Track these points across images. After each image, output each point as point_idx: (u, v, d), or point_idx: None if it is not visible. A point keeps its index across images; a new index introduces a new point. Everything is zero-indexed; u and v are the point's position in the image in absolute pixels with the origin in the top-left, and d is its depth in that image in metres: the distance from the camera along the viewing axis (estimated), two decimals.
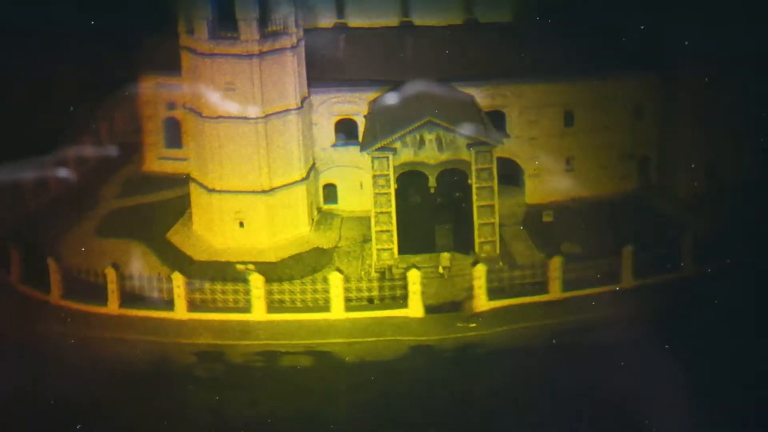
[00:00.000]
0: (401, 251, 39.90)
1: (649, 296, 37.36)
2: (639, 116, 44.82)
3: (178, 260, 40.72)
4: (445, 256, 39.63)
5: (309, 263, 40.85)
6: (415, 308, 36.82)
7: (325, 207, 44.51)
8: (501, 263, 39.33)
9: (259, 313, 37.06)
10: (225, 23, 40.26)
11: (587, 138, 44.07)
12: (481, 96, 42.90)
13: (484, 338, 35.69)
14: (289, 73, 40.96)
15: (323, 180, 44.28)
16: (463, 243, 40.17)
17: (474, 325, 35.96)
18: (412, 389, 32.64)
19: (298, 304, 37.36)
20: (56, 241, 42.07)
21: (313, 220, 43.48)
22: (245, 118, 40.35)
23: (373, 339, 35.88)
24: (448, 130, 39.09)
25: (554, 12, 43.34)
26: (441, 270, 39.61)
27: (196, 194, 42.82)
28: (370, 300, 37.48)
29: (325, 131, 43.56)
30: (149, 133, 49.06)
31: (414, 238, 40.06)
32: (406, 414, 31.26)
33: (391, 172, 39.27)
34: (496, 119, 43.36)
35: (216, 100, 40.36)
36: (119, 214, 45.42)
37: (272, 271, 39.85)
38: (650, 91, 44.28)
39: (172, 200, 46.02)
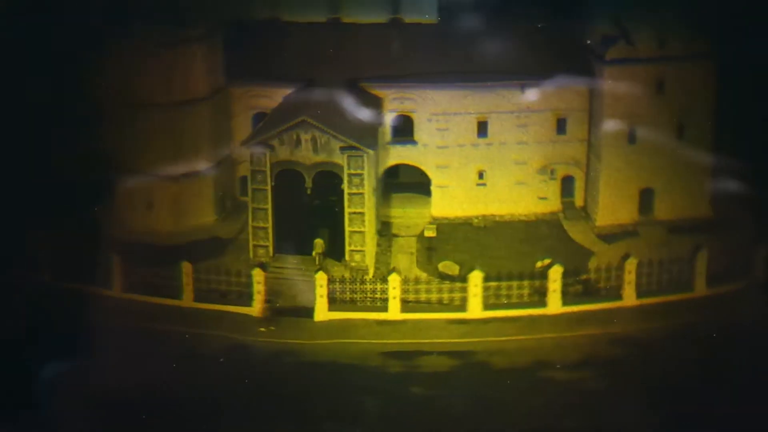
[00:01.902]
0: (277, 250, 39.40)
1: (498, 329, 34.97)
2: (562, 130, 40.94)
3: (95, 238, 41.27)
4: (319, 242, 38.69)
5: (202, 251, 40.51)
6: (257, 307, 36.18)
7: (241, 198, 43.77)
8: (371, 274, 37.71)
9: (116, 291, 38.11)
10: (142, 10, 40.28)
11: (502, 150, 40.79)
12: (391, 99, 40.86)
13: (304, 348, 34.22)
14: (199, 62, 40.93)
15: (240, 172, 43.91)
16: (337, 249, 38.98)
17: (272, 329, 35.01)
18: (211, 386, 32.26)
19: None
20: None
21: (223, 210, 43.53)
22: (153, 104, 40.69)
23: (207, 332, 35.21)
24: (321, 131, 38.03)
25: (481, 15, 40.42)
26: (314, 255, 38.67)
27: (119, 176, 42.40)
28: (223, 294, 37.56)
29: (242, 124, 43.07)
30: None
31: (290, 238, 39.22)
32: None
33: (267, 168, 38.80)
34: (406, 124, 41.29)
35: (130, 84, 40.50)
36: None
37: (164, 256, 40.11)
38: (577, 102, 40.30)
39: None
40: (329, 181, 38.82)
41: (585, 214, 41.66)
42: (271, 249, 39.48)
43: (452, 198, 41.62)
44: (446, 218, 41.43)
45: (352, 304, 36.12)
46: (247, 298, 37.00)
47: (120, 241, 40.93)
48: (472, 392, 30.58)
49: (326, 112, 38.62)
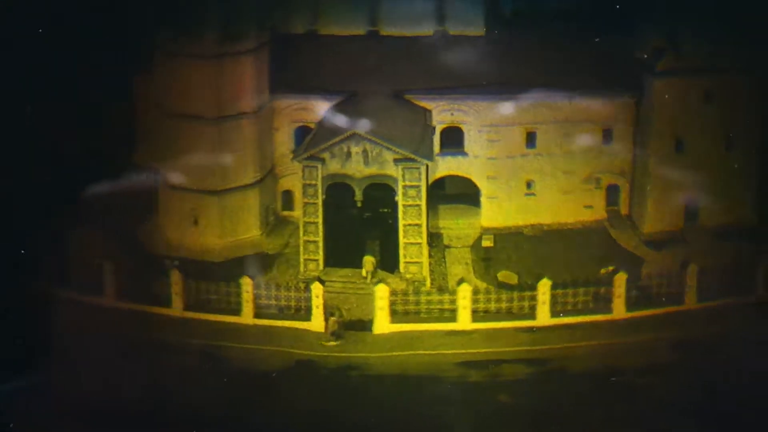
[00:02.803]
0: (327, 263, 39.23)
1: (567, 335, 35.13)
2: (608, 140, 41.23)
3: (135, 253, 41.26)
4: (369, 260, 38.60)
5: (251, 267, 40.47)
6: (317, 322, 36.07)
7: (283, 213, 44.00)
8: (428, 285, 37.77)
9: (176, 309, 37.34)
10: (188, 22, 40.65)
11: (550, 161, 41.17)
12: (438, 111, 41.05)
13: (368, 361, 34.39)
14: (247, 76, 40.82)
15: (282, 186, 43.96)
16: (389, 261, 38.87)
17: (335, 344, 34.79)
18: (275, 402, 31.78)
19: (215, 306, 37.46)
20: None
21: (267, 224, 43.30)
22: (201, 117, 40.62)
23: (268, 348, 35.27)
24: (374, 143, 38.07)
25: (528, 27, 41.25)
26: (364, 273, 38.58)
27: (162, 189, 43.03)
28: (281, 309, 37.31)
29: (285, 138, 43.13)
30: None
31: (341, 251, 39.21)
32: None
33: (319, 182, 38.68)
34: (455, 135, 41.47)
35: (176, 98, 40.82)
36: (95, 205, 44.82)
37: (213, 271, 40.05)
38: (623, 114, 40.65)
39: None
40: (378, 193, 38.68)
41: (630, 222, 41.96)
42: (321, 263, 39.37)
43: (502, 208, 41.79)
44: (496, 228, 41.56)
45: (413, 316, 35.91)
46: (304, 313, 36.79)
47: (170, 258, 41.87)
48: (552, 398, 30.79)
49: (376, 124, 38.55)
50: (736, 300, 36.08)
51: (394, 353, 34.53)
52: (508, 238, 40.92)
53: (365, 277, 38.55)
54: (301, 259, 39.64)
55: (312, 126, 43.11)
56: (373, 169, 38.41)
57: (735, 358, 32.50)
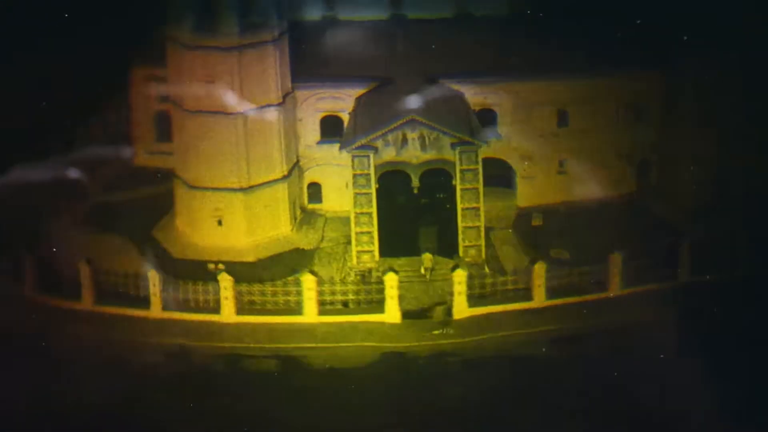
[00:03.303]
0: (383, 254, 38.41)
1: (639, 305, 35.39)
2: (638, 116, 42.55)
3: (158, 257, 39.45)
4: (428, 257, 38.01)
5: (288, 264, 39.39)
6: (391, 313, 35.27)
7: (309, 206, 42.81)
8: (486, 268, 37.78)
9: (228, 314, 35.70)
10: (207, 14, 38.66)
11: (582, 138, 41.97)
12: (471, 93, 41.01)
13: (461, 347, 33.94)
14: (270, 67, 39.42)
15: (308, 178, 42.69)
16: (447, 246, 38.55)
17: (451, 332, 34.27)
18: (380, 398, 30.87)
19: (269, 307, 35.90)
20: (34, 235, 40.58)
21: (295, 219, 41.82)
22: (224, 113, 38.92)
23: (345, 345, 34.33)
24: (431, 128, 37.59)
25: (551, 6, 41.57)
26: (423, 271, 38.02)
27: (179, 190, 41.42)
28: (345, 304, 36.00)
29: (309, 128, 41.96)
30: (139, 127, 47.33)
31: (396, 240, 38.58)
32: (371, 425, 29.85)
33: (371, 171, 37.86)
34: (487, 118, 41.48)
35: (196, 93, 39.03)
36: (106, 208, 43.92)
37: (249, 272, 38.53)
38: (651, 89, 41.95)
39: (161, 195, 43.74)
40: (436, 178, 38.08)
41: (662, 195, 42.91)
42: (376, 254, 38.50)
43: (536, 187, 42.29)
44: (532, 208, 41.85)
45: (489, 299, 35.42)
46: (374, 305, 35.35)
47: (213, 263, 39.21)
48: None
49: (426, 109, 37.91)
50: (661, 285, 36.53)
51: (485, 335, 33.82)
52: (548, 217, 41.41)
53: (424, 275, 37.77)
54: (354, 252, 38.57)
55: (339, 115, 42.21)
56: (430, 155, 37.86)
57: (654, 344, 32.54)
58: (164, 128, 45.99)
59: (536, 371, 32.49)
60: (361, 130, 38.34)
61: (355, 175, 37.91)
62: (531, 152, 41.90)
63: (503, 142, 41.59)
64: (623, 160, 42.47)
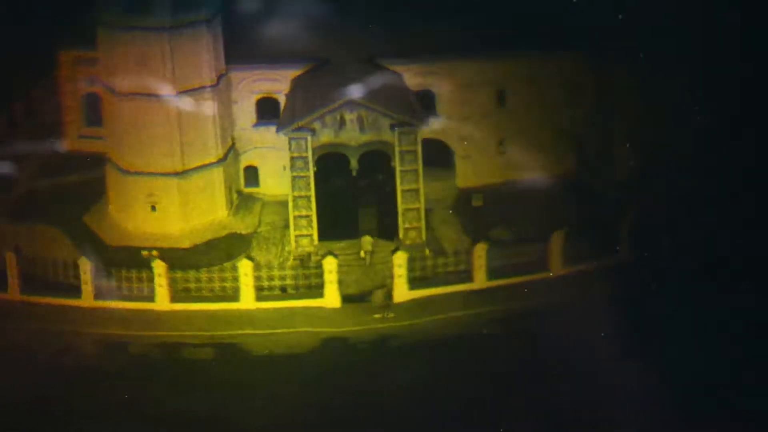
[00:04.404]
0: (322, 237, 37.64)
1: (581, 283, 35.31)
2: (575, 94, 42.15)
3: (91, 245, 38.18)
4: (367, 240, 37.58)
5: (224, 250, 38.52)
6: (331, 298, 34.83)
7: (246, 190, 41.90)
8: (427, 250, 37.27)
9: (162, 302, 34.81)
10: None
11: (521, 118, 41.68)
12: (410, 74, 40.32)
13: (403, 330, 33.46)
14: (203, 48, 38.34)
15: (244, 162, 41.73)
16: (387, 229, 38.08)
17: (392, 315, 33.83)
18: (321, 384, 30.35)
19: (206, 294, 35.17)
20: None
21: (231, 204, 40.93)
22: (156, 95, 37.80)
23: (284, 330, 33.62)
24: (369, 109, 36.96)
25: None
26: (363, 254, 37.59)
27: (111, 176, 40.15)
28: (283, 289, 35.35)
29: (245, 110, 40.97)
30: (68, 111, 45.48)
31: (336, 223, 37.92)
32: (311, 410, 29.04)
33: (309, 153, 37.05)
34: (426, 99, 40.93)
35: (127, 76, 37.80)
36: (34, 197, 42.60)
37: (184, 258, 37.63)
38: (586, 68, 41.45)
39: (91, 181, 42.39)
40: (375, 160, 37.51)
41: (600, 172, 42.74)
42: (315, 237, 37.69)
43: (475, 167, 41.90)
44: (472, 188, 41.54)
45: (430, 281, 35.19)
46: (313, 290, 34.82)
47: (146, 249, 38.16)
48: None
49: (365, 91, 37.11)
50: (599, 263, 36.66)
51: (426, 318, 33.58)
52: (488, 197, 41.05)
53: (363, 258, 37.33)
54: (292, 236, 37.74)
55: (275, 97, 41.28)
56: (369, 136, 37.16)
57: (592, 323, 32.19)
58: (94, 112, 44.53)
59: (478, 352, 32.03)
60: (298, 112, 37.43)
61: (292, 158, 37.03)
62: (470, 133, 41.45)
63: (442, 122, 41.13)
64: (561, 138, 42.28)
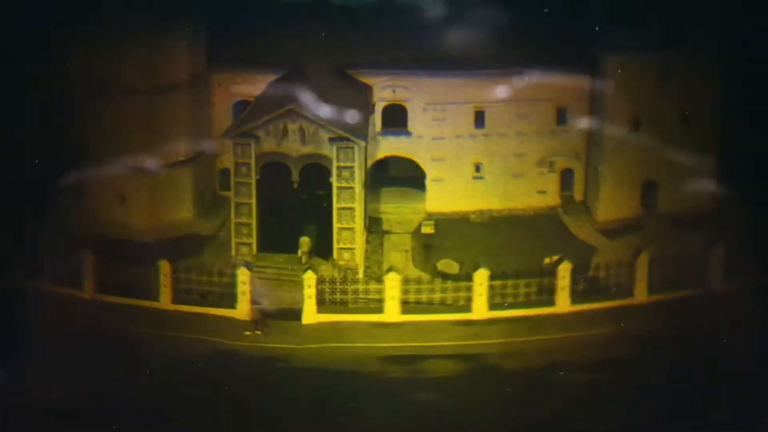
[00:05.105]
0: (261, 248, 36.79)
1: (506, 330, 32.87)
2: (562, 120, 38.85)
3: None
4: (305, 241, 36.21)
5: (180, 249, 38.77)
6: (243, 310, 33.91)
7: (222, 193, 40.86)
8: (361, 274, 35.27)
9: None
10: None
11: (500, 142, 38.56)
12: (381, 87, 38.64)
13: (291, 352, 32.17)
14: (180, 46, 38.05)
15: (221, 164, 41.04)
16: (325, 247, 36.56)
17: (258, 333, 32.60)
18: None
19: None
20: None
21: (203, 205, 40.40)
22: (132, 89, 37.99)
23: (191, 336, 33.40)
24: (309, 121, 35.54)
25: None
26: (299, 254, 36.25)
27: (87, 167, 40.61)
28: (203, 295, 34.70)
29: (223, 113, 40.42)
30: None
31: (276, 235, 36.76)
32: None
33: (252, 160, 36.25)
34: (398, 114, 39.11)
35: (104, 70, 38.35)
36: None
37: (142, 253, 37.46)
38: (578, 91, 38.03)
39: None
40: (318, 174, 36.27)
41: (585, 208, 39.40)
42: (254, 247, 36.91)
43: (448, 192, 39.20)
44: (442, 213, 38.98)
45: (343, 306, 33.80)
46: (230, 300, 34.60)
47: (91, 238, 39.37)
48: (481, 397, 28.65)
49: (315, 101, 35.82)
50: (689, 292, 33.96)
51: (320, 345, 32.10)
52: (452, 225, 38.35)
53: (300, 258, 36.25)
54: (233, 243, 37.28)
55: (251, 101, 40.46)
56: (309, 149, 35.87)
57: (682, 354, 30.72)
58: None
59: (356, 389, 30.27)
60: (247, 118, 36.89)
61: (236, 164, 36.35)
62: (443, 154, 38.98)
63: (413, 140, 38.95)
64: (545, 168, 38.77)
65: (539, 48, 37.45)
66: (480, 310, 33.18)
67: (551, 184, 39.41)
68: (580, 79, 38.14)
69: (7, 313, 32.95)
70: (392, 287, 33.30)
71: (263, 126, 36.05)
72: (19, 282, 35.24)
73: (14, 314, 32.82)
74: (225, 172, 41.88)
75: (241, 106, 41.21)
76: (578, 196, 39.97)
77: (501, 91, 37.94)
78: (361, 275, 35.70)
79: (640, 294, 34.09)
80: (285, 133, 36.14)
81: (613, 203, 38.18)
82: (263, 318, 33.38)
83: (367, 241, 38.06)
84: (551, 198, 39.44)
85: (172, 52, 38.82)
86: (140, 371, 31.26)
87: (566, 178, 39.86)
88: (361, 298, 33.98)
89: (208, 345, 32.78)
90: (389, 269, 34.72)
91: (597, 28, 36.20)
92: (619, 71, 36.38)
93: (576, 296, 34.03)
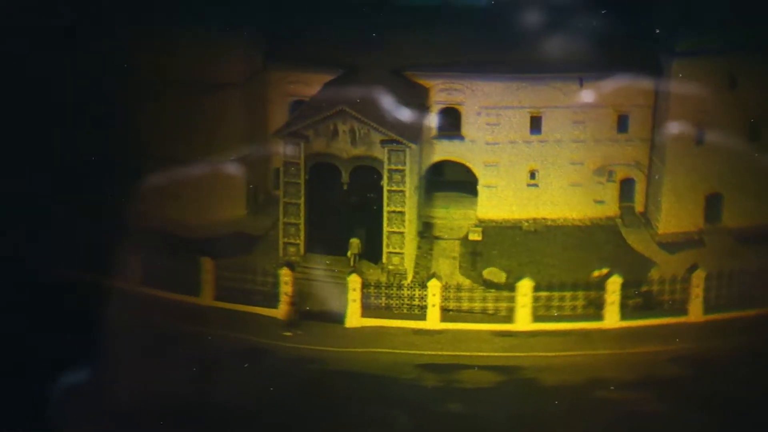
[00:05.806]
0: (309, 249, 36.55)
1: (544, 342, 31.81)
2: (623, 128, 37.41)
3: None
4: (355, 242, 35.76)
5: (230, 247, 38.76)
6: (283, 310, 33.73)
7: (276, 192, 40.05)
8: (409, 279, 34.58)
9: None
10: None
11: (557, 149, 37.35)
12: (437, 90, 37.84)
13: (327, 355, 31.61)
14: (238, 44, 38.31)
15: (275, 164, 40.74)
16: (374, 250, 35.97)
17: (289, 334, 32.40)
18: None
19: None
20: None
21: (255, 204, 40.48)
22: (186, 86, 38.33)
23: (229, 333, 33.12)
24: (361, 122, 35.31)
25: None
26: (349, 255, 35.84)
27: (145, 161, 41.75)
28: (247, 294, 34.32)
29: (279, 112, 40.25)
30: None
31: (324, 237, 36.41)
32: None
33: (302, 160, 36.16)
34: (453, 117, 38.17)
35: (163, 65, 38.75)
36: None
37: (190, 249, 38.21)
38: (640, 98, 36.56)
39: None
40: (369, 176, 35.93)
41: (645, 220, 37.93)
42: (302, 247, 36.77)
43: (500, 199, 38.16)
44: (493, 221, 38.01)
45: (387, 311, 33.30)
46: (273, 300, 34.54)
47: (142, 233, 39.95)
48: (517, 411, 27.75)
49: (368, 102, 35.53)
50: (750, 312, 32.15)
51: (359, 349, 31.62)
52: (503, 232, 37.28)
53: (349, 260, 35.91)
54: (281, 243, 37.21)
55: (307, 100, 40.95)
56: (360, 150, 35.59)
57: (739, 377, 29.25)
58: None
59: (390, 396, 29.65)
60: (298, 118, 36.75)
61: (285, 163, 36.30)
62: (497, 159, 38.00)
63: (466, 145, 38.07)
64: (604, 177, 37.35)
65: (600, 52, 35.74)
66: (522, 321, 32.39)
67: (610, 193, 38.13)
68: (642, 85, 36.71)
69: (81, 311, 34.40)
70: (433, 294, 32.95)
71: (313, 126, 35.90)
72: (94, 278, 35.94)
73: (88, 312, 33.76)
74: (278, 172, 43.65)
75: (298, 105, 41.15)
76: (639, 207, 38.78)
77: (559, 96, 37.17)
78: (409, 280, 35.17)
79: (695, 312, 32.86)
80: (335, 133, 35.90)
81: (674, 215, 36.83)
82: (298, 319, 33.25)
83: (418, 246, 37.50)
84: (610, 208, 38.24)
85: (229, 49, 39.05)
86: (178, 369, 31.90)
87: (626, 188, 38.56)
88: (406, 304, 33.49)
89: (246, 343, 32.70)
90: (431, 276, 34.22)
91: (657, 31, 35.23)
92: (684, 76, 34.95)
93: (627, 311, 33.01)
